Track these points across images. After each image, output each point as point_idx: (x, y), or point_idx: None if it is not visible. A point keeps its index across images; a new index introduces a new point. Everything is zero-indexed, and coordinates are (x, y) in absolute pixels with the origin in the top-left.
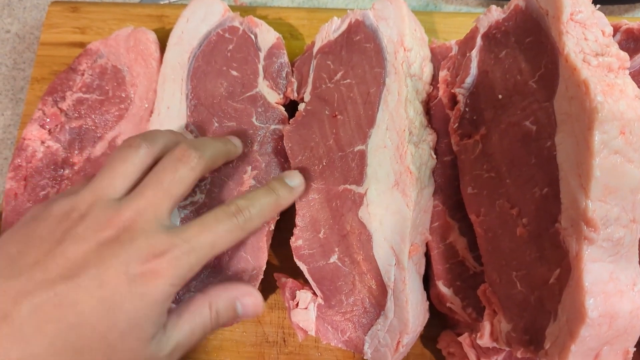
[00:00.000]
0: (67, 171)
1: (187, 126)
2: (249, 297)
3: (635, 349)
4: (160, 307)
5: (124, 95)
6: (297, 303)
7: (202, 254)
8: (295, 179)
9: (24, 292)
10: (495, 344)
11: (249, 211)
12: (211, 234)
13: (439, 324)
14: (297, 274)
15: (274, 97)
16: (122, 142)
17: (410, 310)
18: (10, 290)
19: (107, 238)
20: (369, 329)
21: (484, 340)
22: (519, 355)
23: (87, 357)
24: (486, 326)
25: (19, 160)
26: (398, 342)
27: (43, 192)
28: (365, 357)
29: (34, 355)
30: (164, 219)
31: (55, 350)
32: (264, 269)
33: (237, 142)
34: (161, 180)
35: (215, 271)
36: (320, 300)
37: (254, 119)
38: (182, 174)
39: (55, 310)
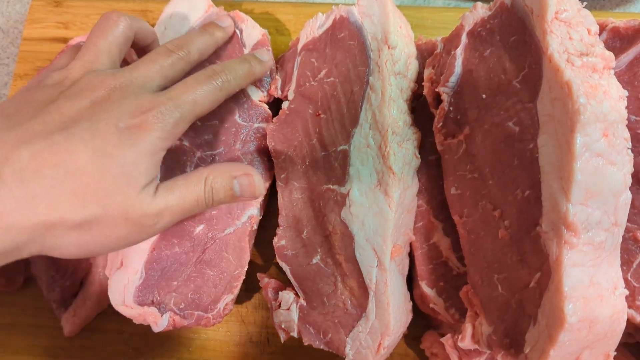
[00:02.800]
0: None
1: None
2: (246, 177)
3: (615, 353)
4: (149, 158)
5: None
6: (280, 303)
7: (186, 110)
8: (265, 56)
9: (22, 141)
10: (477, 346)
11: (225, 74)
12: (193, 93)
13: (423, 323)
14: (281, 272)
15: (257, 95)
16: (102, 15)
17: (392, 312)
18: (9, 139)
19: (99, 97)
20: (351, 331)
21: (466, 343)
22: (499, 358)
23: (82, 200)
24: (468, 328)
25: None
26: (379, 344)
27: None
28: (346, 359)
29: (35, 195)
30: (153, 90)
31: (56, 192)
32: (246, 268)
33: (225, 23)
34: (155, 60)
35: (197, 272)
36: (302, 301)
37: (237, 117)
38: (173, 59)
39: (53, 157)
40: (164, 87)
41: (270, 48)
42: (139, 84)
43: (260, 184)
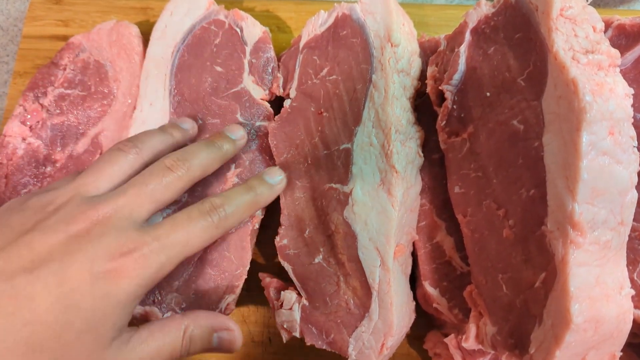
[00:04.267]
0: (49, 168)
1: None
2: (227, 332)
3: (621, 354)
4: (123, 309)
5: (106, 91)
6: (282, 303)
7: (174, 252)
8: (276, 176)
9: None
10: (480, 347)
11: (224, 209)
12: (184, 232)
13: (426, 323)
14: (283, 272)
15: (259, 93)
16: (114, 145)
17: (395, 313)
18: None
19: (77, 231)
20: (354, 331)
21: (469, 343)
22: (503, 359)
23: (38, 355)
24: (472, 328)
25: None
26: (382, 345)
27: (24, 190)
28: (349, 359)
29: None
30: (141, 220)
31: (6, 345)
32: (247, 268)
33: (237, 134)
34: (146, 183)
35: (198, 271)
36: (304, 301)
37: (238, 116)
38: (168, 180)
39: (10, 303)
40: (154, 211)
41: (271, 47)
42: (124, 214)
43: (239, 340)
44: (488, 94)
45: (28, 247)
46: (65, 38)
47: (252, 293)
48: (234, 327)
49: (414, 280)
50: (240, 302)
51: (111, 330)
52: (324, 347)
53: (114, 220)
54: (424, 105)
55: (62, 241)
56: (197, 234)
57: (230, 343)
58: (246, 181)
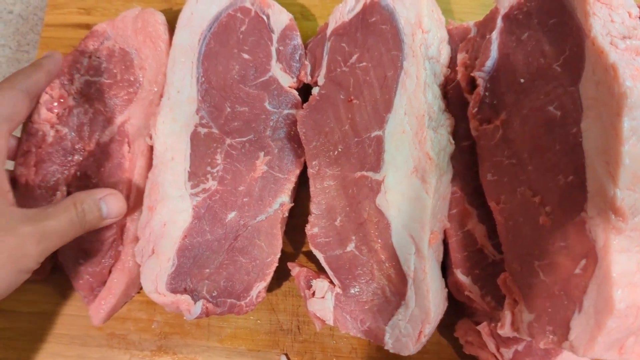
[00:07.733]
0: (77, 157)
1: (198, 110)
2: (111, 197)
3: None
4: None
5: (132, 79)
6: (314, 292)
7: None
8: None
9: None
10: (515, 334)
11: None
12: None
13: (456, 311)
14: (311, 260)
15: (287, 81)
16: None
17: (432, 300)
18: None
19: None
20: (390, 319)
21: (505, 330)
22: (541, 345)
23: None
24: (507, 316)
25: (28, 145)
26: (420, 332)
27: (53, 179)
28: (385, 347)
29: None
30: None
31: None
32: (278, 256)
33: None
34: None
35: (229, 259)
36: (338, 289)
37: (266, 104)
38: None
39: None
40: None
41: (298, 34)
42: None
43: (124, 203)
44: (522, 80)
45: None
46: (88, 26)
47: (280, 281)
48: (116, 192)
49: (445, 268)
50: (269, 290)
51: None
52: (358, 336)
53: None
54: (452, 93)
55: None
56: None
57: (117, 206)
58: None
